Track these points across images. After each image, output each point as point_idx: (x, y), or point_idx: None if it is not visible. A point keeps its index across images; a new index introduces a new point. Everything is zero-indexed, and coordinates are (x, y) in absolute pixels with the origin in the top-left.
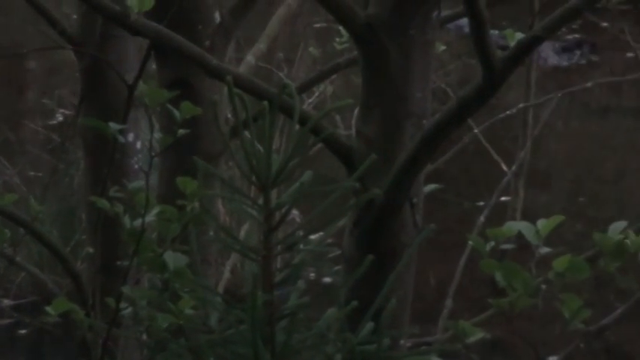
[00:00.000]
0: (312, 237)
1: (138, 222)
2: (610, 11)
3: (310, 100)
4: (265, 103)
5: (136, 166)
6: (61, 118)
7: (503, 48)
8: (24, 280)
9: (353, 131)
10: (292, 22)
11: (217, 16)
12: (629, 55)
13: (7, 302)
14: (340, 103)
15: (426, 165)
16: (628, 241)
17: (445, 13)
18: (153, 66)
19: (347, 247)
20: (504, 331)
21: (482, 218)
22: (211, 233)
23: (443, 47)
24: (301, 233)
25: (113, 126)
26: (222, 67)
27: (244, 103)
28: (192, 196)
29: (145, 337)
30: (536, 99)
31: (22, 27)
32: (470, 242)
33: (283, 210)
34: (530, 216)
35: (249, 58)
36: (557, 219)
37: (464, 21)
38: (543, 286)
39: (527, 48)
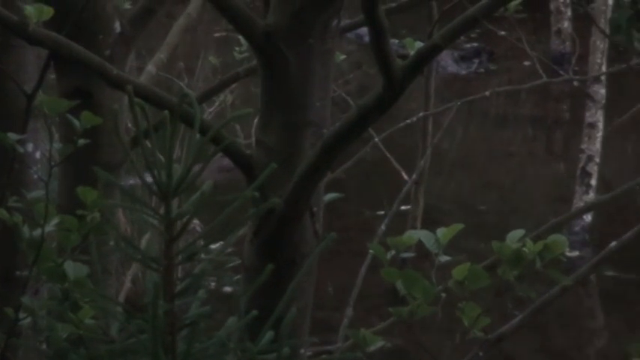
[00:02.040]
0: (213, 246)
1: (37, 232)
2: (507, 20)
3: (211, 110)
4: (166, 112)
5: (35, 176)
6: None
7: (403, 57)
8: None
9: (253, 140)
10: (192, 32)
11: (117, 26)
12: (527, 63)
13: None
14: (240, 112)
15: (326, 174)
16: (526, 250)
17: (345, 21)
18: (52, 76)
19: (247, 256)
20: (404, 340)
21: (382, 227)
22: (112, 243)
23: (343, 56)
24: (202, 243)
25: (12, 136)
26: (122, 76)
27: (145, 112)
28: (92, 206)
29: (44, 347)
30: (435, 107)
31: None
32: (371, 251)
33: (184, 219)
34: (430, 224)
35: (150, 67)
36: (456, 227)
37: (364, 30)
38: (443, 295)
39: (426, 57)
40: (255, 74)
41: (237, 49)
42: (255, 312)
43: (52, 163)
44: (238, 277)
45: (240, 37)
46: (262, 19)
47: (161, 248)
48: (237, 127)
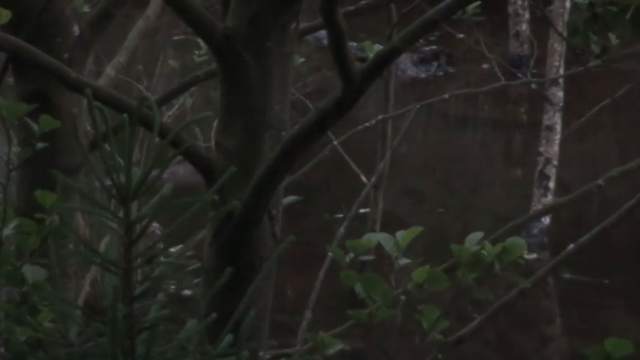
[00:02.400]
0: (172, 249)
1: None
2: (466, 23)
3: (170, 113)
4: (125, 115)
5: None
6: None
7: (362, 60)
8: None
9: (212, 143)
10: (151, 35)
11: (76, 29)
12: (485, 66)
13: None
14: (199, 115)
15: (285, 177)
16: (484, 252)
17: (303, 25)
18: (10, 79)
19: (207, 259)
20: (363, 343)
21: (341, 230)
22: (71, 246)
23: (301, 59)
24: (161, 246)
25: None
26: (81, 79)
27: (104, 115)
28: (51, 209)
29: (2, 350)
30: (394, 110)
31: None
32: (330, 254)
33: (143, 223)
34: (389, 227)
35: (109, 70)
36: (415, 230)
37: (322, 33)
38: (402, 297)
39: (385, 60)
40: (215, 77)
41: (196, 52)
42: (214, 315)
43: (11, 167)
44: (198, 280)
45: (200, 40)
46: (221, 22)
47: (120, 251)
48: (197, 130)
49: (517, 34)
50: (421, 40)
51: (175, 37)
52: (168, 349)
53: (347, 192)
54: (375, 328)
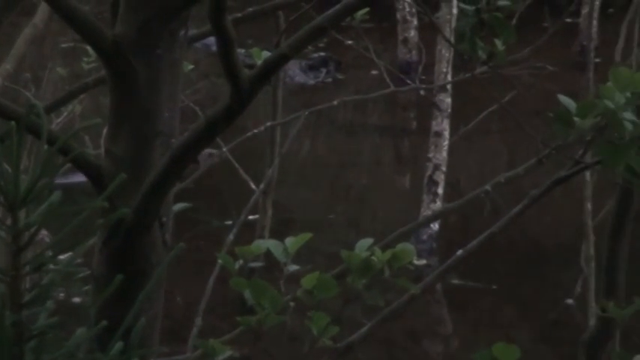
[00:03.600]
0: (62, 257)
1: None
2: (355, 29)
3: (59, 120)
4: (12, 123)
5: None
6: None
7: (251, 67)
8: None
9: (102, 150)
10: (39, 42)
11: None
12: (374, 72)
13: None
14: (89, 122)
15: (174, 184)
16: (374, 258)
17: (192, 31)
18: None
19: (97, 266)
20: (253, 349)
21: (231, 236)
22: None
23: (191, 66)
24: (50, 253)
25: None
26: None
27: None
28: None
29: None
30: (283, 117)
31: None
32: (219, 260)
33: (32, 230)
34: (279, 234)
35: None
36: (304, 237)
37: (211, 39)
38: (292, 304)
39: (273, 66)
40: (104, 84)
41: (85, 59)
42: (104, 322)
43: None
44: (88, 287)
45: (89, 48)
46: (110, 29)
47: (8, 259)
48: (87, 137)
49: (405, 41)
50: (310, 47)
51: (64, 45)
52: (57, 357)
53: (236, 199)
54: (265, 334)
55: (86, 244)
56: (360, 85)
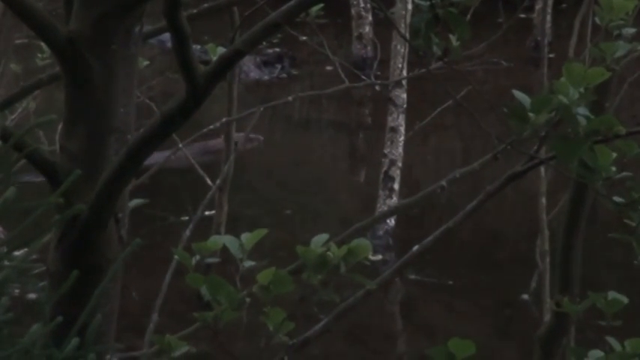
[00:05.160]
0: (17, 253)
1: None
2: (309, 25)
3: (13, 117)
4: None
5: None
6: None
7: (206, 62)
8: None
9: (57, 147)
10: None
11: None
12: (329, 68)
13: None
14: (43, 119)
15: (130, 180)
16: (330, 254)
17: (147, 28)
18: None
19: (52, 262)
20: (210, 345)
21: (187, 232)
22: None
23: (146, 62)
24: (5, 250)
25: None
26: None
27: None
28: None
29: None
30: (238, 113)
31: None
32: (176, 256)
33: None
34: (235, 230)
35: None
36: (260, 232)
37: (166, 36)
38: (248, 299)
39: (228, 62)
40: (59, 80)
41: (39, 55)
42: (60, 318)
43: None
44: (43, 283)
45: (43, 44)
46: (64, 25)
47: None
48: (41, 133)
49: (360, 37)
50: (264, 43)
51: (18, 41)
52: (12, 353)
53: (193, 195)
54: (221, 330)
55: (41, 241)
56: (315, 81)
